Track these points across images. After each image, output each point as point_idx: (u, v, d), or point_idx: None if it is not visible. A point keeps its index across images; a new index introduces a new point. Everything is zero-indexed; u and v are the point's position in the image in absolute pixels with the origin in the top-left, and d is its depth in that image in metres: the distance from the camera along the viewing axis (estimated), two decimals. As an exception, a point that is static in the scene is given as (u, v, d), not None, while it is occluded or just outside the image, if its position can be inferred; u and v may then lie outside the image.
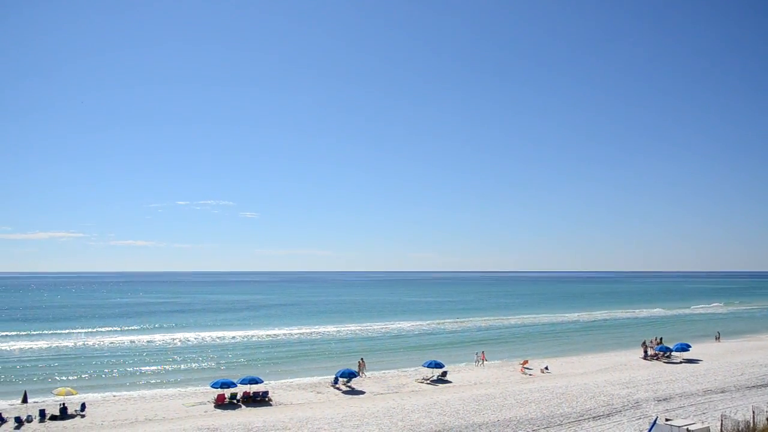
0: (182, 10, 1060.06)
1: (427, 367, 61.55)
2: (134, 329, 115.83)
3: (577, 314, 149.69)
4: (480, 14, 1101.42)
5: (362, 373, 63.19)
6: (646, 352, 76.18)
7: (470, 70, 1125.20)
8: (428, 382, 60.30)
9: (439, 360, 63.94)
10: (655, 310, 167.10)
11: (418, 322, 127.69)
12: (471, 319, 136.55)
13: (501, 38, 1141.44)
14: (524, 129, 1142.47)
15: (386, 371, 68.26)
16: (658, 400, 48.71)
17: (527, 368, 67.80)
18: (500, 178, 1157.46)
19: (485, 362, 72.62)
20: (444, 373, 62.39)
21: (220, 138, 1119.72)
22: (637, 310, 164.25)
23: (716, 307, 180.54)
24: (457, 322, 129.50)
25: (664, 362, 71.75)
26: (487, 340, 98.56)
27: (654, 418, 40.06)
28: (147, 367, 72.74)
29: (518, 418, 42.96)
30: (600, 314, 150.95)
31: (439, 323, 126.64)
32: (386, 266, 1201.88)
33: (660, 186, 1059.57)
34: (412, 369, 68.55)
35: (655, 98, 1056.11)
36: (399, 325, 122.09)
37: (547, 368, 67.18)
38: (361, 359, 65.90)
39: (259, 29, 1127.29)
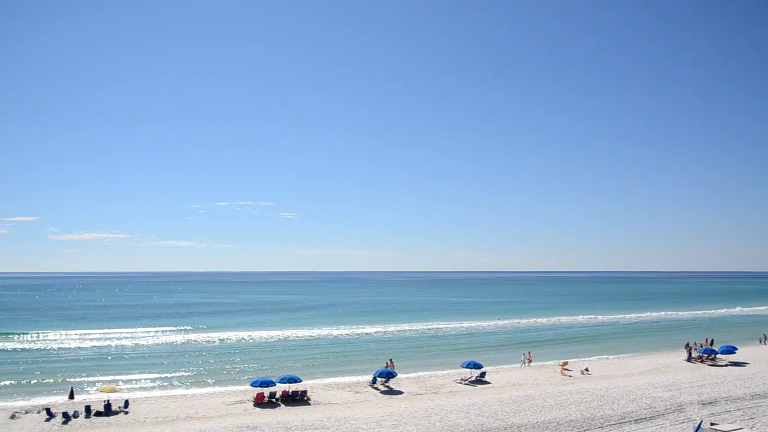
0: (227, 8, 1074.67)
1: (466, 367, 61.32)
2: (175, 328, 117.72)
3: (616, 315, 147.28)
4: (509, 10, 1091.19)
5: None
6: (690, 354, 74.52)
7: (505, 67, 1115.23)
8: (467, 382, 60.08)
9: (477, 361, 63.66)
10: (699, 311, 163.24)
11: (457, 323, 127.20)
12: (509, 320, 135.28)
13: (536, 34, 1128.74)
14: (562, 129, 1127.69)
15: (424, 372, 68.19)
16: (703, 404, 47.62)
17: (567, 370, 67.03)
18: (539, 179, 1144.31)
19: (531, 363, 72.04)
20: (483, 374, 62.06)
21: (259, 139, 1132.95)
22: (678, 312, 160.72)
23: (762, 310, 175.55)
24: (495, 323, 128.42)
25: (709, 365, 70.21)
26: (526, 341, 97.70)
27: (699, 422, 39.23)
28: (188, 366, 73.95)
29: (558, 420, 42.51)
30: (640, 315, 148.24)
31: (477, 324, 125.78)
32: (424, 266, 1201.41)
33: (695, 186, 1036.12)
34: (451, 370, 68.31)
35: (687, 97, 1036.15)
36: (437, 326, 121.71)
37: (587, 370, 66.36)
38: (390, 360, 65.73)
39: (298, 28, 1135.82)
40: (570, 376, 63.95)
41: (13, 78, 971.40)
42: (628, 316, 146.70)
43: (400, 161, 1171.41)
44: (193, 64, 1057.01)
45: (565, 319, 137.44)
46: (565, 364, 69.47)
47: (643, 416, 43.82)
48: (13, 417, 46.36)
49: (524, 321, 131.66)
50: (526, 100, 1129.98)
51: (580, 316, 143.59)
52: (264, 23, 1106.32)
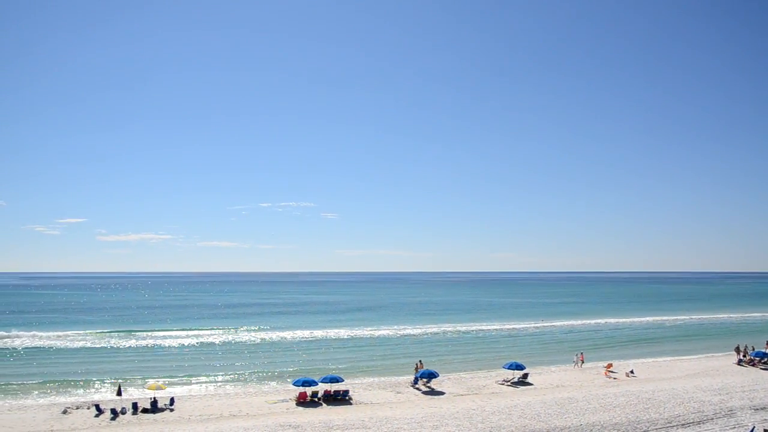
0: (272, 8, 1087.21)
1: (508, 368, 60.82)
2: (219, 328, 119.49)
3: (661, 317, 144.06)
4: (554, 10, 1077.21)
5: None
6: (741, 357, 72.50)
7: (548, 69, 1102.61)
8: (509, 384, 59.62)
9: (519, 362, 63.11)
10: (752, 314, 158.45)
11: (498, 324, 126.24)
12: (552, 321, 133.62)
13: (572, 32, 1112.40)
14: (604, 130, 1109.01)
15: (466, 372, 67.91)
16: (755, 409, 46.34)
17: (611, 371, 65.97)
18: (581, 180, 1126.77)
19: (584, 363, 71.13)
20: (525, 375, 61.52)
21: (301, 139, 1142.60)
22: (728, 314, 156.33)
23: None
24: (537, 324, 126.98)
25: (761, 368, 68.22)
26: (570, 342, 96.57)
27: (751, 427, 38.23)
28: (231, 365, 75.01)
29: (602, 422, 41.89)
30: (687, 317, 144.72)
31: (519, 325, 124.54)
32: (464, 266, 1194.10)
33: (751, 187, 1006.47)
34: (493, 371, 67.90)
35: (722, 94, 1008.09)
36: (478, 327, 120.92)
37: (632, 372, 65.17)
38: (419, 361, 65.28)
39: (341, 26, 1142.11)
40: (614, 378, 62.91)
41: (65, 84, 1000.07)
42: (674, 317, 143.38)
43: (441, 161, 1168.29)
44: (237, 63, 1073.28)
45: (608, 320, 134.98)
46: (610, 366, 68.38)
47: (691, 420, 42.91)
48: (64, 412, 47.83)
49: (567, 322, 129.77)
50: (568, 102, 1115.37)
51: (624, 318, 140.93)
52: (305, 21, 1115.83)
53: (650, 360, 77.31)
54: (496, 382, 60.74)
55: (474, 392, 55.55)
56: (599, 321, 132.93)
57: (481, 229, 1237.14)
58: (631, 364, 71.61)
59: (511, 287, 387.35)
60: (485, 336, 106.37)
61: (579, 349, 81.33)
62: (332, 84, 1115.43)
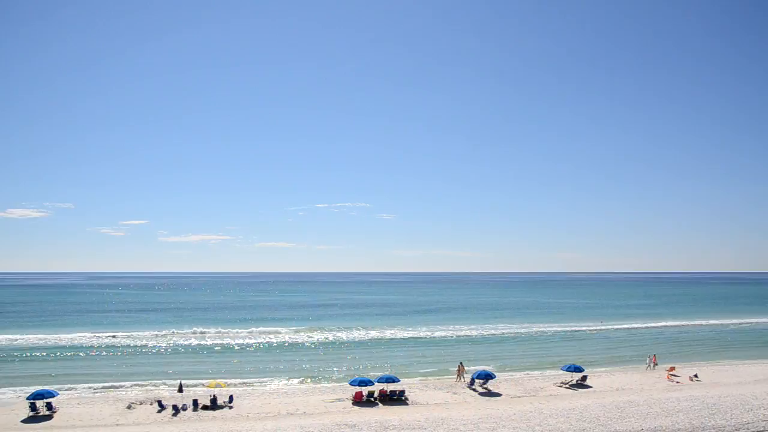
0: (326, 8, 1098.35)
1: (566, 370, 59.84)
2: (277, 328, 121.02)
3: (728, 320, 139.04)
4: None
5: (460, 378, 62.05)
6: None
7: (605, 68, 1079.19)
8: (567, 386, 58.64)
9: (578, 364, 61.99)
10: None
11: (558, 325, 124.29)
12: (614, 322, 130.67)
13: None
14: (665, 128, 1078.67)
15: (523, 374, 67.11)
16: (827, 416, 44.30)
17: (674, 375, 64.11)
18: (644, 179, 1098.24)
19: (657, 365, 69.45)
20: (584, 378, 60.40)
21: (356, 140, 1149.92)
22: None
23: None
24: (599, 326, 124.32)
25: (835, 374, 65.18)
26: (630, 344, 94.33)
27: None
28: (288, 364, 75.99)
29: (664, 427, 40.74)
30: (756, 320, 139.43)
31: (579, 327, 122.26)
32: (526, 267, 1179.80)
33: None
34: (551, 372, 66.92)
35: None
36: (536, 328, 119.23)
37: (696, 376, 63.15)
38: (461, 363, 64.56)
39: (396, 26, 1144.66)
40: (677, 382, 61.08)
41: (127, 91, 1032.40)
42: (741, 320, 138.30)
43: (501, 160, 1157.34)
44: (292, 65, 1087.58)
45: (670, 323, 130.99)
46: (672, 369, 66.48)
47: (762, 428, 41.34)
48: (129, 407, 49.41)
49: (627, 325, 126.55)
50: (624, 99, 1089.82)
51: (687, 321, 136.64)
52: (361, 20, 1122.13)
53: (715, 364, 74.68)
54: (554, 384, 59.81)
55: (531, 394, 54.82)
56: (661, 324, 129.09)
57: (543, 228, 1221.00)
58: (695, 367, 69.50)
59: (571, 288, 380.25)
60: (543, 337, 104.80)
61: (644, 351, 79.52)
62: (388, 83, 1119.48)
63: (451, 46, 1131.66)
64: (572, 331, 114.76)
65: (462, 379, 61.42)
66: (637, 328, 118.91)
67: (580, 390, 56.88)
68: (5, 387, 59.69)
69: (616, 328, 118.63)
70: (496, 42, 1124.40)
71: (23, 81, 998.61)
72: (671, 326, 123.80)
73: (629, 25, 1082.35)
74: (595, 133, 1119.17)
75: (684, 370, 66.84)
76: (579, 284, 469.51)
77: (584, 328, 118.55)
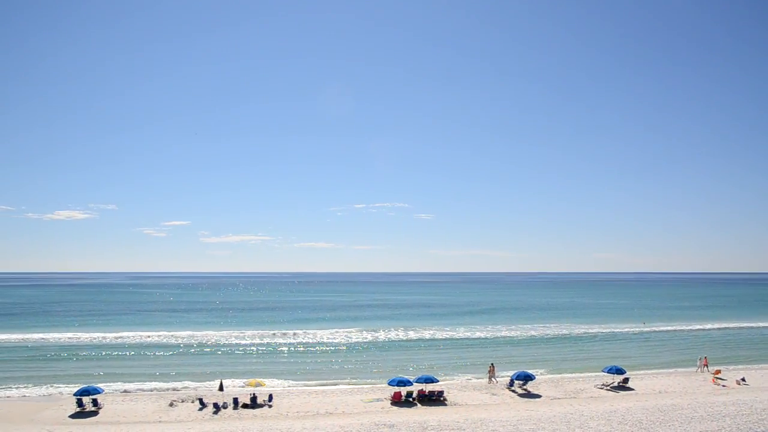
0: (367, 7, 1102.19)
1: (608, 372, 58.92)
2: (315, 327, 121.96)
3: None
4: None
5: (492, 379, 61.46)
6: None
7: (638, 67, 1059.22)
8: (608, 388, 57.74)
9: (620, 365, 61.00)
10: None
11: (597, 326, 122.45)
12: (657, 324, 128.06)
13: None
14: (704, 127, 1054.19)
15: (563, 375, 66.35)
16: None
17: (719, 378, 62.56)
18: (686, 175, 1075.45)
19: (708, 368, 68.02)
20: (625, 380, 59.41)
21: (394, 140, 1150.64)
22: None
23: None
24: (640, 327, 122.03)
25: None
26: (673, 345, 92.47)
27: None
28: (327, 363, 76.45)
29: (710, 432, 39.80)
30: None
31: (620, 328, 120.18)
32: (565, 267, 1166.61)
33: None
34: (591, 374, 66.00)
35: None
36: (576, 329, 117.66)
37: (743, 380, 61.50)
38: (492, 365, 63.92)
39: (434, 26, 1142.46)
40: (723, 385, 59.60)
41: (170, 95, 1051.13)
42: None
43: (538, 161, 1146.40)
44: (331, 64, 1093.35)
45: (715, 324, 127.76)
46: (718, 372, 64.92)
47: (811, 433, 40.02)
48: (171, 405, 50.27)
49: (670, 327, 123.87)
50: (659, 102, 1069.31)
51: (733, 323, 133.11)
52: (401, 18, 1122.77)
53: (764, 368, 72.59)
54: (595, 386, 58.97)
55: (571, 396, 54.13)
56: (706, 326, 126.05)
57: (580, 229, 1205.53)
58: (742, 370, 67.78)
59: (609, 288, 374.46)
60: (583, 338, 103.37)
61: (689, 354, 77.93)
62: (428, 83, 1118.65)
63: (489, 46, 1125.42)
64: (613, 332, 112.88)
65: (493, 381, 61.06)
66: (680, 330, 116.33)
67: (621, 392, 55.95)
68: (54, 383, 61.39)
69: (659, 330, 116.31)
70: (534, 42, 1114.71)
71: (69, 89, 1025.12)
72: (716, 328, 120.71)
73: (665, 24, 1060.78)
74: (630, 134, 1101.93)
75: (730, 374, 65.22)
76: (617, 285, 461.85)
77: (625, 330, 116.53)
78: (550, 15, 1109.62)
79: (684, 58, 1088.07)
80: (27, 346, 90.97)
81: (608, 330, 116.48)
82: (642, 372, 67.89)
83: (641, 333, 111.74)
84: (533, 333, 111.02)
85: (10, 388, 59.49)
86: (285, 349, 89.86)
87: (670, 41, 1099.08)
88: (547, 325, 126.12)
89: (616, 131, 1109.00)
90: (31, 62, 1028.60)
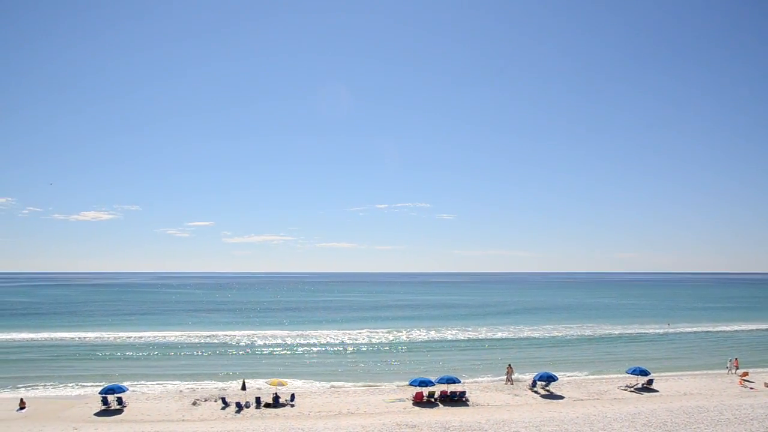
0: (387, 7, 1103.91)
1: (631, 373, 58.32)
2: (336, 327, 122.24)
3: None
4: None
5: (509, 380, 61.06)
6: None
7: (658, 67, 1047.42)
8: (632, 389, 57.13)
9: (644, 367, 60.33)
10: None
11: (621, 327, 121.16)
12: (680, 326, 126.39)
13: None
14: (733, 125, 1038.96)
15: (586, 376, 65.79)
16: None
17: (747, 381, 61.58)
18: (716, 172, 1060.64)
19: (738, 369, 67.06)
20: (650, 381, 58.74)
21: (416, 141, 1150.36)
22: None
23: None
24: (665, 329, 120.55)
25: None
26: (698, 347, 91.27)
27: None
28: (349, 364, 76.63)
29: (736, 434, 39.21)
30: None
31: (644, 329, 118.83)
32: (586, 267, 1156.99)
33: None
34: (614, 375, 65.38)
35: None
36: (599, 330, 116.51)
37: (771, 382, 60.53)
38: (509, 366, 63.45)
39: (462, 26, 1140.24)
40: (751, 388, 58.67)
41: (193, 96, 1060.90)
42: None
43: (560, 160, 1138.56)
44: (353, 64, 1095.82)
45: (743, 326, 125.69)
46: (745, 374, 63.94)
47: (840, 436, 39.28)
48: (194, 404, 50.70)
49: (694, 328, 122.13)
50: (683, 103, 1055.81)
51: (762, 324, 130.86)
52: (420, 18, 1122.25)
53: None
54: (619, 387, 58.38)
55: (595, 397, 53.64)
56: (732, 327, 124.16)
57: (604, 229, 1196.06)
58: (769, 373, 66.67)
59: (632, 289, 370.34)
60: (606, 339, 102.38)
61: (716, 356, 76.74)
62: (448, 82, 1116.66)
63: (512, 47, 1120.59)
64: (637, 333, 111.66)
65: (510, 381, 60.75)
66: (705, 332, 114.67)
67: (645, 394, 55.34)
68: (80, 382, 62.29)
69: (684, 331, 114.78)
70: (555, 41, 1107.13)
71: (94, 91, 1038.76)
72: (743, 330, 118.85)
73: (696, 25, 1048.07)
74: (652, 133, 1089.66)
75: (759, 376, 64.20)
76: (640, 285, 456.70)
77: (649, 331, 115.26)
78: (571, 12, 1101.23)
79: (708, 56, 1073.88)
80: (54, 345, 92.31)
81: (632, 331, 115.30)
82: (666, 374, 67.06)
83: (666, 334, 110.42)
84: (556, 334, 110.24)
85: (37, 386, 60.56)
86: (307, 349, 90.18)
87: (702, 38, 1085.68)
88: (570, 325, 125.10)
89: (638, 130, 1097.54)
90: (56, 64, 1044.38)
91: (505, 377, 61.78)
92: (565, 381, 61.34)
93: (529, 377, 61.50)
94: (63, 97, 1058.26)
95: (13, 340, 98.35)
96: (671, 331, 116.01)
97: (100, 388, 52.44)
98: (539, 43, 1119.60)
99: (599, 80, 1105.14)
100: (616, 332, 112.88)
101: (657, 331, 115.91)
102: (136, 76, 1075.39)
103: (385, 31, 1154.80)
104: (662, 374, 65.78)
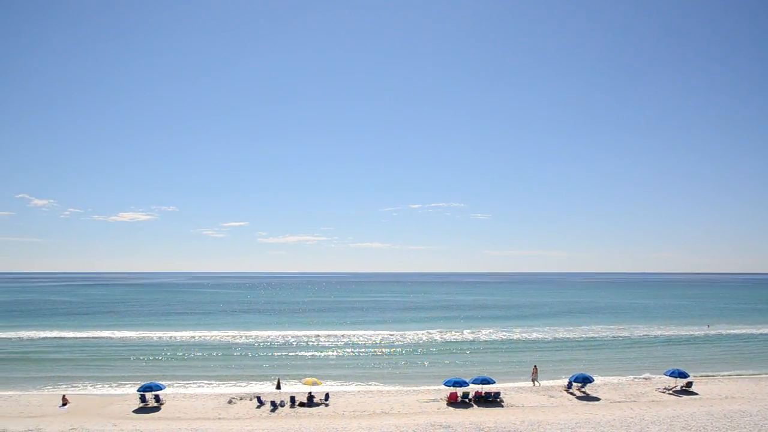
0: (429, 10, 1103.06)
1: (670, 375, 57.25)
2: (369, 328, 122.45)
3: None
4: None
5: (535, 381, 60.36)
6: None
7: (698, 66, 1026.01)
8: (670, 392, 56.10)
9: (683, 369, 59.21)
10: None
11: (657, 328, 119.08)
12: (723, 327, 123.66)
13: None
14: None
15: (623, 378, 64.78)
16: None
17: (791, 384, 60.01)
18: (756, 169, 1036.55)
19: None
20: (689, 384, 57.56)
21: (450, 141, 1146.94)
22: None
23: None
24: (704, 330, 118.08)
25: None
26: (741, 349, 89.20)
27: None
28: (383, 363, 76.64)
29: (780, 439, 38.21)
30: None
31: (682, 331, 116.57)
32: (624, 267, 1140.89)
33: None
34: (653, 377, 64.26)
35: None
36: (636, 331, 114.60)
37: (816, 385, 58.86)
38: (535, 366, 62.78)
39: (493, 27, 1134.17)
40: (794, 391, 57.14)
41: (226, 97, 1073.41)
42: None
43: (595, 160, 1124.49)
44: (387, 64, 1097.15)
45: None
46: (789, 377, 62.28)
47: None
48: (230, 402, 51.27)
49: (737, 330, 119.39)
50: (721, 102, 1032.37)
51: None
52: (459, 20, 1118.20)
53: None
54: (656, 389, 57.38)
55: (632, 399, 52.79)
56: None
57: (641, 228, 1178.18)
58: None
59: (672, 289, 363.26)
60: (644, 340, 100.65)
61: (759, 358, 74.63)
62: (485, 83, 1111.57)
63: (547, 48, 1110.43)
64: (675, 335, 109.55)
65: (537, 383, 60.14)
66: (747, 334, 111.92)
67: (684, 397, 54.27)
68: (119, 380, 63.55)
69: (725, 333, 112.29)
70: (592, 45, 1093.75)
71: (132, 98, 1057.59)
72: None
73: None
74: (689, 131, 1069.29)
75: (801, 379, 62.56)
76: (679, 285, 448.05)
77: (688, 332, 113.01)
78: (607, 13, 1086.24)
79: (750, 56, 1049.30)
80: (93, 345, 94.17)
81: (670, 332, 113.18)
82: (706, 376, 65.74)
83: (706, 336, 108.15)
84: (592, 335, 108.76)
85: (77, 384, 61.92)
86: (341, 349, 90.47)
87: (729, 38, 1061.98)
88: (606, 326, 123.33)
89: (674, 129, 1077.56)
90: (95, 74, 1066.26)
91: (530, 378, 61.38)
92: (601, 383, 60.52)
93: (564, 379, 60.84)
94: (103, 104, 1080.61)
95: (57, 338, 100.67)
96: (711, 332, 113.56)
97: (138, 386, 53.40)
98: (574, 44, 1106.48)
99: (634, 80, 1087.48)
100: (654, 333, 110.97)
101: (696, 332, 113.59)
102: (174, 78, 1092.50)
103: (418, 32, 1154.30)
104: (702, 377, 64.52)
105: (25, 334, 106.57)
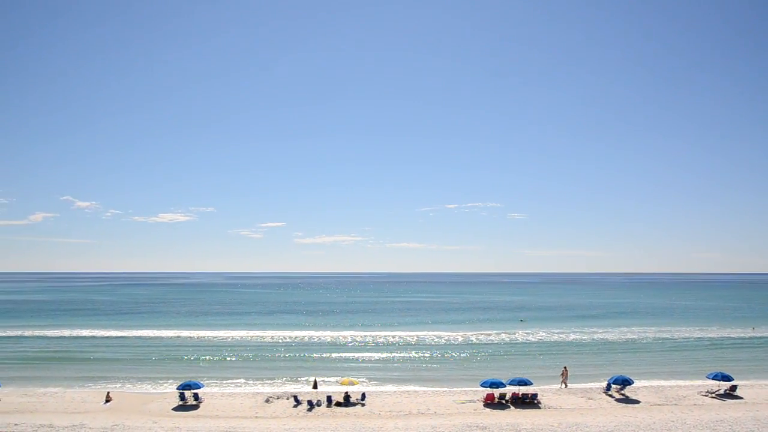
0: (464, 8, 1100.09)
1: (713, 378, 55.89)
2: (405, 328, 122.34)
3: None
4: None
5: (564, 383, 59.43)
6: None
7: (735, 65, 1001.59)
8: (713, 396, 54.81)
9: (726, 372, 57.79)
10: None
11: (699, 330, 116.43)
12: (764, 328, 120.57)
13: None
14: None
15: (663, 381, 63.53)
16: None
17: (840, 388, 58.12)
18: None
19: None
20: (733, 388, 56.17)
21: (486, 140, 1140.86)
22: None
23: None
24: (749, 332, 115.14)
25: None
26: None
27: None
28: (420, 363, 76.50)
29: (829, 445, 37.00)
30: None
31: (726, 332, 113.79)
32: (667, 267, 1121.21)
33: None
34: (695, 380, 62.90)
35: None
36: (677, 333, 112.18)
37: None
38: (565, 368, 61.75)
39: (528, 28, 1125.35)
40: (844, 396, 55.35)
41: (263, 100, 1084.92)
42: None
43: (633, 160, 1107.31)
44: (424, 64, 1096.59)
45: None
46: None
47: None
48: (267, 401, 51.76)
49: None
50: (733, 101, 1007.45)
51: None
52: (496, 20, 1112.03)
53: None
54: (699, 393, 56.12)
55: (673, 403, 51.72)
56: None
57: (682, 227, 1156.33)
58: None
59: (715, 290, 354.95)
60: (685, 343, 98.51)
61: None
62: (522, 83, 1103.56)
63: (581, 50, 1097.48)
64: (718, 337, 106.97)
65: (565, 385, 59.30)
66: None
67: (728, 401, 52.96)
68: (159, 378, 64.65)
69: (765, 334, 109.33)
70: (630, 43, 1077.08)
71: (170, 98, 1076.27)
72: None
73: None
74: (739, 133, 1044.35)
75: None
76: (721, 286, 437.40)
77: (732, 334, 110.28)
78: (644, 13, 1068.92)
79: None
80: (134, 345, 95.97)
81: (713, 334, 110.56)
82: (752, 380, 63.99)
83: (751, 338, 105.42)
84: (631, 336, 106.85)
85: (119, 381, 63.23)
86: (377, 350, 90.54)
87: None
88: (647, 328, 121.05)
89: (716, 129, 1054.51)
90: (136, 77, 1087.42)
91: (560, 380, 60.65)
92: (641, 385, 59.44)
93: (603, 381, 59.94)
94: (142, 107, 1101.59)
95: (98, 337, 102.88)
96: (756, 335, 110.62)
97: (177, 384, 54.25)
98: (612, 48, 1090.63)
99: (669, 82, 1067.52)
100: (696, 335, 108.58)
101: (741, 335, 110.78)
102: (213, 80, 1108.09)
103: (457, 34, 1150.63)
104: (747, 380, 62.85)
105: (68, 332, 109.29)
